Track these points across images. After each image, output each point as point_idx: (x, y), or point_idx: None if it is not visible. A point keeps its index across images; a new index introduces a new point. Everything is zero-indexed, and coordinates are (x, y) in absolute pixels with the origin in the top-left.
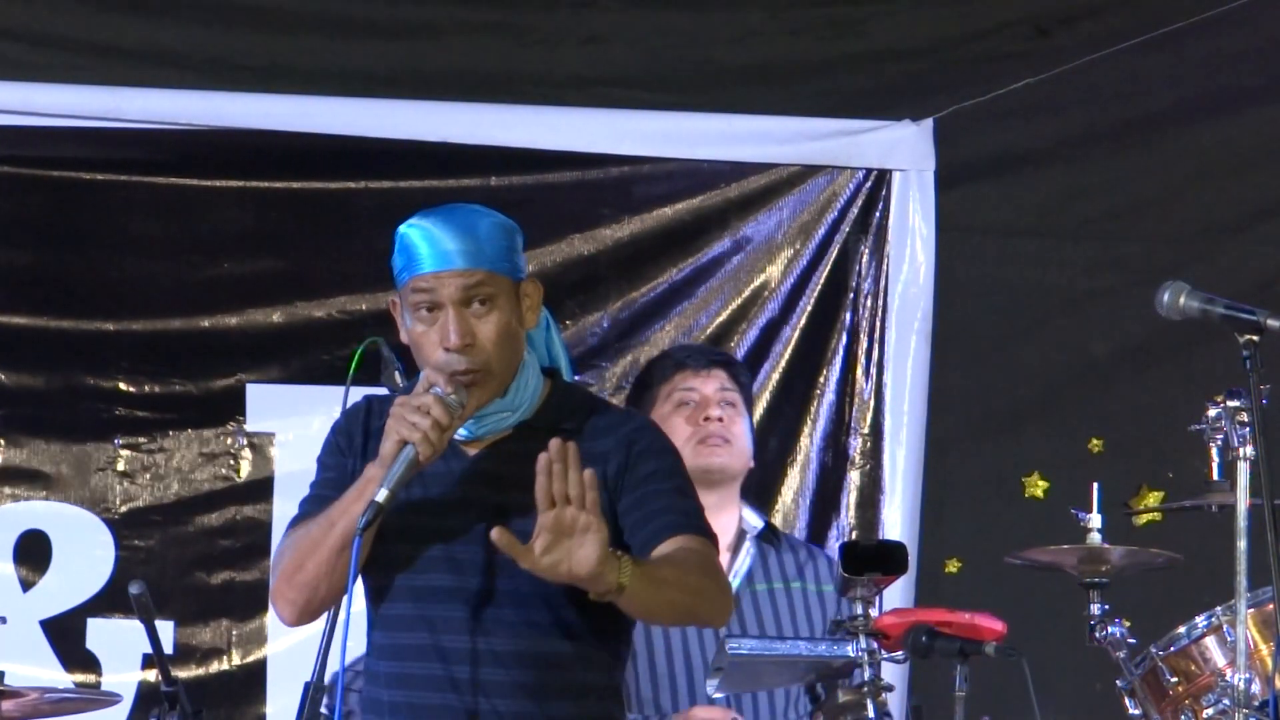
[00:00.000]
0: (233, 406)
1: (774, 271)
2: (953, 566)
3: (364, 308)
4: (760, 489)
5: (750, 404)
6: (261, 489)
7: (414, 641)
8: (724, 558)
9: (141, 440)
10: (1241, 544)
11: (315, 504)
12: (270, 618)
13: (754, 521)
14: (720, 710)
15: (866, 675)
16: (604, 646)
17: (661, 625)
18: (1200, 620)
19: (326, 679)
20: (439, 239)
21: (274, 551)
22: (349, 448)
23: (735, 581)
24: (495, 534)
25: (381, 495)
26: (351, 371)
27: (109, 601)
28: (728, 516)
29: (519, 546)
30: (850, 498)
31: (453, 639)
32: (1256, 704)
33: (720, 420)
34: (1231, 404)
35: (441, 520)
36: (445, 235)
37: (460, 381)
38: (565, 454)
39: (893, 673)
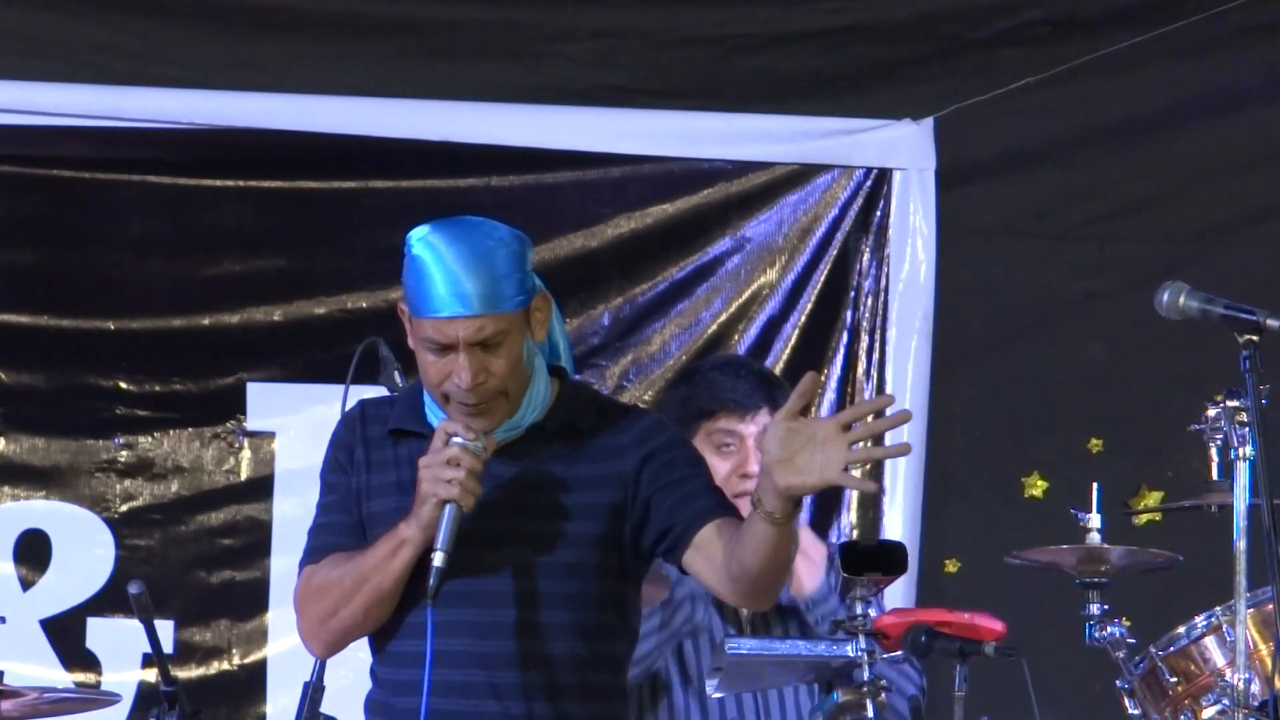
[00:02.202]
0: (233, 405)
1: (774, 270)
2: (952, 566)
3: (364, 306)
4: None
5: None
6: (262, 487)
7: (425, 648)
8: None
9: (142, 439)
10: (1241, 544)
11: (325, 533)
12: (271, 617)
13: None
14: None
15: (866, 675)
16: (614, 647)
17: (744, 578)
18: (1200, 620)
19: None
20: (456, 279)
21: (295, 588)
22: (349, 463)
23: None
24: (809, 376)
25: (440, 559)
26: (351, 373)
27: (109, 601)
28: None
29: (802, 401)
30: (851, 497)
31: (465, 643)
32: (1256, 704)
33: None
34: (1231, 404)
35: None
36: (462, 273)
37: (472, 413)
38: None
39: None
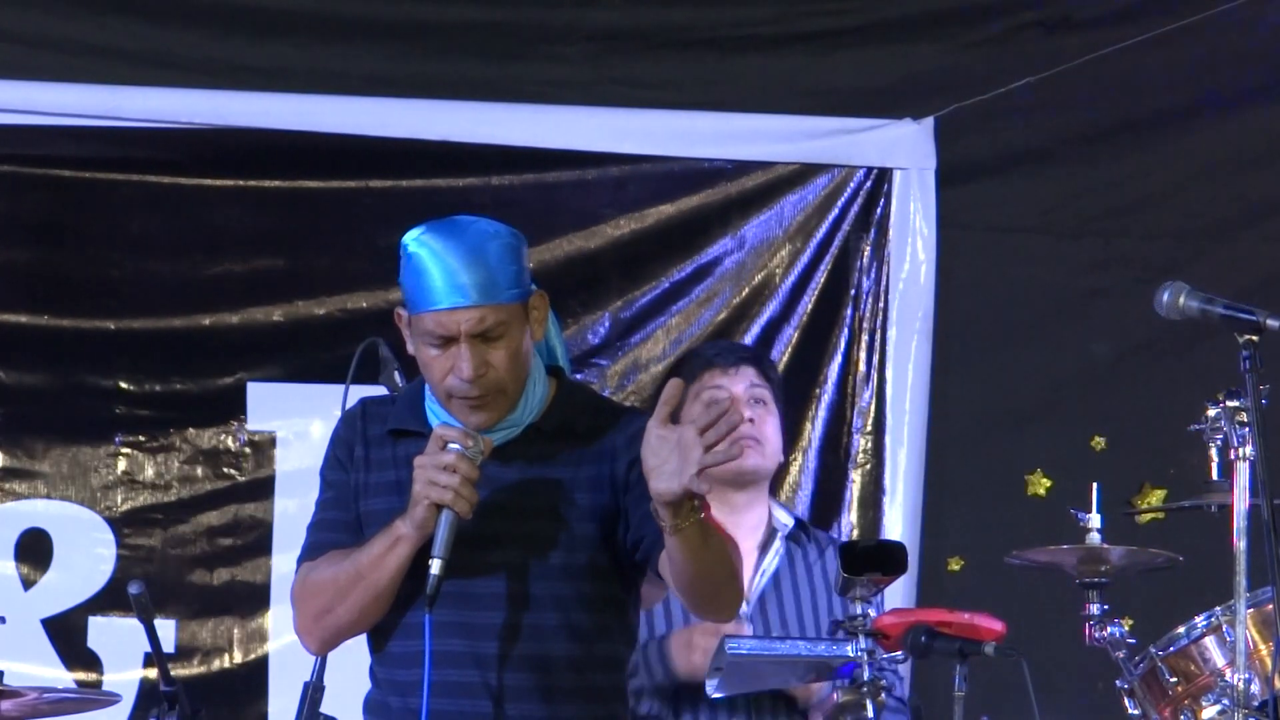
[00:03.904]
0: (234, 405)
1: (775, 270)
2: (955, 565)
3: (365, 306)
4: None
5: (780, 399)
6: (262, 487)
7: (422, 648)
8: (753, 556)
9: (142, 439)
10: (1241, 544)
11: (324, 529)
12: (271, 616)
13: (784, 519)
14: (713, 629)
15: (866, 675)
16: (611, 648)
17: (683, 590)
18: (1200, 620)
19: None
20: (453, 271)
21: (292, 585)
22: (349, 460)
23: (763, 580)
24: (672, 383)
25: (438, 567)
26: (351, 372)
27: (110, 600)
28: (758, 514)
29: (667, 409)
30: (852, 497)
31: (462, 644)
32: (1256, 704)
33: (751, 421)
34: (1231, 404)
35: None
36: (459, 266)
37: (473, 406)
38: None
39: None
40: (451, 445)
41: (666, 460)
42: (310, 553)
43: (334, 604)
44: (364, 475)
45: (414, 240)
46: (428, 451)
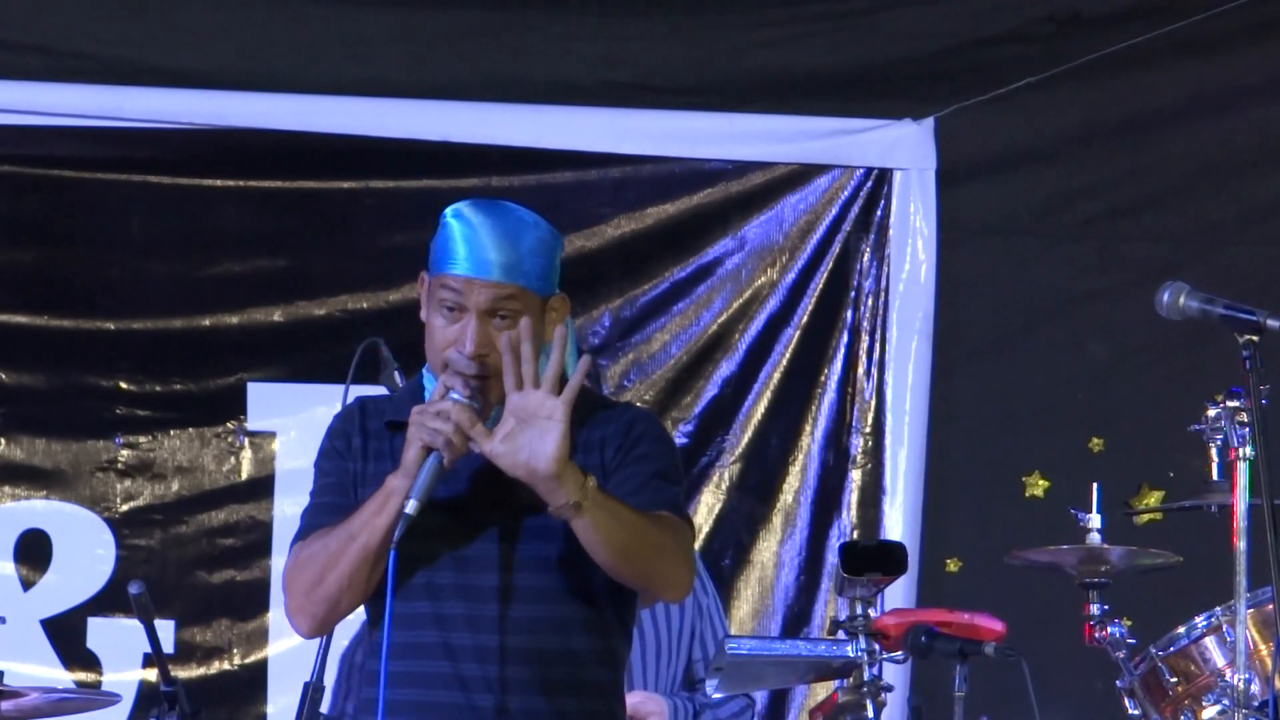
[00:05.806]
0: (234, 405)
1: (775, 271)
2: (953, 566)
3: (365, 306)
4: (761, 488)
5: None
6: (262, 487)
7: (420, 639)
8: None
9: (142, 439)
10: (1241, 544)
11: (320, 513)
12: (271, 617)
13: None
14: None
15: (866, 675)
16: (609, 643)
17: (614, 573)
18: (1200, 620)
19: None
20: (482, 245)
21: (285, 566)
22: (347, 450)
23: None
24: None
25: (412, 507)
26: (351, 373)
27: (110, 600)
28: None
29: (481, 428)
30: (852, 497)
31: (460, 636)
32: (1256, 704)
33: None
34: (1231, 404)
35: (450, 517)
36: (489, 242)
37: (470, 387)
38: (532, 334)
39: (893, 673)
40: (453, 394)
41: (520, 447)
42: (305, 534)
43: (325, 572)
44: (362, 465)
45: (452, 211)
46: (430, 400)
